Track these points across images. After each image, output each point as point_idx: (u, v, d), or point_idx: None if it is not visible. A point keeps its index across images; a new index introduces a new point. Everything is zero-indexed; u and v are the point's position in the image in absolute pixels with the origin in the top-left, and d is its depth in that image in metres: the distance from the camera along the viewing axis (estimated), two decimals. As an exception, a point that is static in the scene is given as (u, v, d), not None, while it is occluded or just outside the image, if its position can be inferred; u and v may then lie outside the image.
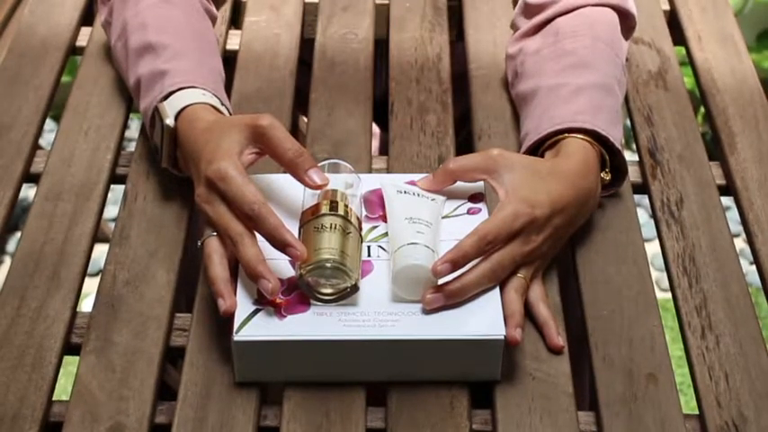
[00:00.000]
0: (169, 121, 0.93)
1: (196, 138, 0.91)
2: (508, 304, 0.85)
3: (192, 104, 0.94)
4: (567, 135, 0.94)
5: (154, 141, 0.98)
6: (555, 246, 0.91)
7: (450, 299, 0.84)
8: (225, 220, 0.85)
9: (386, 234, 0.90)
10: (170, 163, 0.96)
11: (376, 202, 0.93)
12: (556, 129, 0.95)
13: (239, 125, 0.89)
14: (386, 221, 0.91)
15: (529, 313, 0.88)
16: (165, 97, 0.95)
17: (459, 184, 0.93)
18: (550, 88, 0.99)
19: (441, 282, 0.84)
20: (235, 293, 0.84)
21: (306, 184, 0.88)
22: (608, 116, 0.96)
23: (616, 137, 0.95)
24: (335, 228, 0.84)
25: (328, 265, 0.83)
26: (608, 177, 0.96)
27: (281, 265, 0.86)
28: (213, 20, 1.13)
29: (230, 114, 0.97)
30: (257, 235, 0.84)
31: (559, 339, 0.87)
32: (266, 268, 0.82)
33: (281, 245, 0.83)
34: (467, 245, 0.84)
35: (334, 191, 0.88)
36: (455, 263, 0.83)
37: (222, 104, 0.96)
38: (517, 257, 0.86)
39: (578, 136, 0.94)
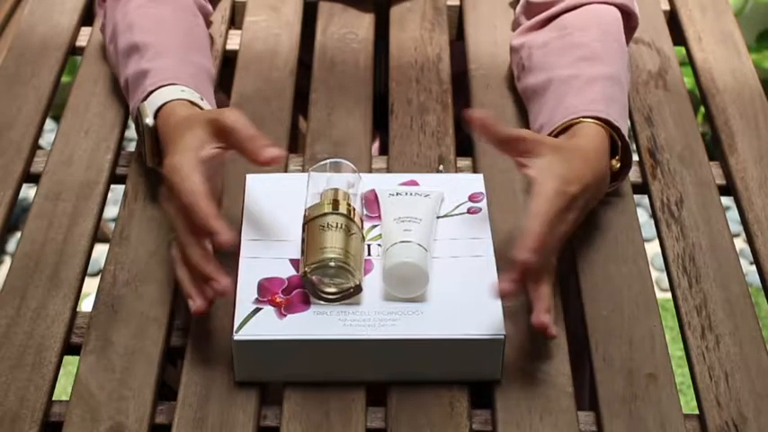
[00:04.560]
0: (149, 121, 0.93)
1: (169, 134, 0.90)
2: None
3: (169, 101, 0.93)
4: (581, 119, 0.93)
5: (140, 142, 0.98)
6: (572, 228, 0.89)
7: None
8: (173, 219, 0.84)
9: (384, 234, 0.90)
10: (155, 162, 0.96)
11: (375, 202, 0.93)
12: (570, 118, 0.94)
13: (202, 120, 0.87)
14: (385, 222, 0.91)
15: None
16: (146, 97, 0.95)
17: (460, 182, 0.92)
18: (563, 80, 0.99)
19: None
20: (235, 293, 0.84)
21: (262, 161, 0.83)
22: (619, 108, 0.96)
23: (625, 129, 0.95)
24: (340, 227, 0.84)
25: (332, 264, 0.83)
26: (617, 165, 0.95)
27: (281, 265, 0.86)
28: (207, 15, 1.12)
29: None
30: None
31: (545, 317, 0.82)
32: (214, 267, 0.81)
33: (207, 232, 0.80)
34: (539, 232, 0.80)
35: (337, 190, 0.88)
36: (536, 251, 0.80)
37: (202, 99, 0.95)
38: (563, 238, 0.85)
39: (592, 121, 0.93)
